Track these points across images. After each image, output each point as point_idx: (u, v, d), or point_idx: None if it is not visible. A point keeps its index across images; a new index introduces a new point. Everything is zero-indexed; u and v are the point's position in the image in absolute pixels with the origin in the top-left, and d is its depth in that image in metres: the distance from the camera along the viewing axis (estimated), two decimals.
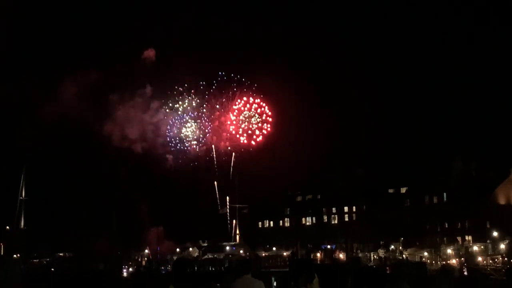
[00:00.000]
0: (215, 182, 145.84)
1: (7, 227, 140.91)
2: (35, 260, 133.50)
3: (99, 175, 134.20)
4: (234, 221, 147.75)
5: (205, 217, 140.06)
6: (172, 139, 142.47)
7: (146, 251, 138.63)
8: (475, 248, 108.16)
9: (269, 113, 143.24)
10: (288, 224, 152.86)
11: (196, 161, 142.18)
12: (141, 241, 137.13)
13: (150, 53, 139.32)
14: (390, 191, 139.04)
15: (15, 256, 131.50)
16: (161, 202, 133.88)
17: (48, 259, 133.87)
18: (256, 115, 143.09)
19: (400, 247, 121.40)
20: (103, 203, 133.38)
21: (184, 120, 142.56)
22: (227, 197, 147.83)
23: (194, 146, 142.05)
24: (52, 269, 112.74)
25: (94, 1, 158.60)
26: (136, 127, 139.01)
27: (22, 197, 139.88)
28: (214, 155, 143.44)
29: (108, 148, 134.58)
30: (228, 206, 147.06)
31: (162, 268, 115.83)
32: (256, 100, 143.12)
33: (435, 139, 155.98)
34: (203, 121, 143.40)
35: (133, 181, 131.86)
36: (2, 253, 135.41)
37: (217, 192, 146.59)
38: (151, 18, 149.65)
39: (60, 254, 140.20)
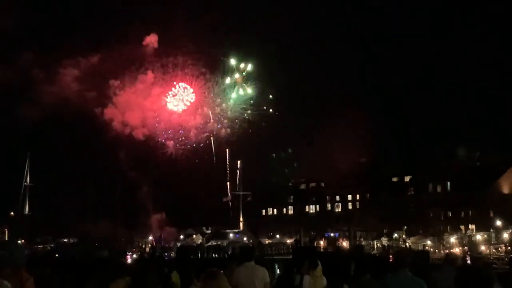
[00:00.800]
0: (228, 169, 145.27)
1: (12, 213, 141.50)
2: (39, 246, 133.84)
3: (101, 161, 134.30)
4: (238, 208, 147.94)
5: (208, 204, 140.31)
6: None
7: (150, 237, 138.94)
8: (478, 237, 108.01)
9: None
10: (292, 212, 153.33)
11: (197, 148, 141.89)
12: (143, 227, 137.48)
13: (152, 38, 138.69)
14: (394, 179, 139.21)
15: (19, 242, 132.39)
16: (163, 188, 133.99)
17: (52, 245, 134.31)
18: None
19: (404, 236, 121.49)
20: (106, 189, 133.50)
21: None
22: (230, 185, 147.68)
23: (195, 132, 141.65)
24: (56, 255, 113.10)
25: None
26: (137, 113, 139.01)
27: (26, 183, 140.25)
28: (212, 142, 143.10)
29: (110, 133, 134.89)
30: (231, 194, 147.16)
31: (166, 254, 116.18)
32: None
33: (439, 127, 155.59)
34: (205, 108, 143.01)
35: (135, 167, 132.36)
36: (6, 239, 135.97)
37: (227, 182, 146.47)
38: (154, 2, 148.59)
39: (64, 240, 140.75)
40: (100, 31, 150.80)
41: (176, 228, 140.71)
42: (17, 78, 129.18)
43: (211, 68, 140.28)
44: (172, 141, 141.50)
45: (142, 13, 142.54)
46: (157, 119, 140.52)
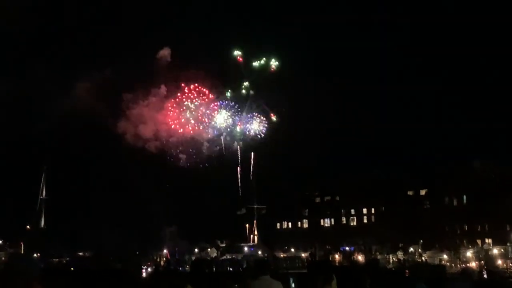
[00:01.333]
0: (238, 179, 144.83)
1: (27, 226, 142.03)
2: (54, 260, 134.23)
3: (115, 174, 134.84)
4: (252, 222, 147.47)
5: (222, 217, 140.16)
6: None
7: (165, 251, 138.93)
8: (495, 251, 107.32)
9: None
10: (307, 225, 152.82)
11: (210, 161, 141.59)
12: (156, 240, 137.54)
13: (165, 52, 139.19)
14: (409, 192, 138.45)
15: (35, 255, 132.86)
16: (176, 201, 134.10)
17: (67, 259, 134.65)
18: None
19: (419, 249, 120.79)
20: (120, 202, 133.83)
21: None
22: (245, 198, 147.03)
23: (208, 146, 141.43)
24: (72, 268, 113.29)
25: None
26: (149, 126, 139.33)
27: (42, 196, 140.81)
28: (239, 154, 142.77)
29: (123, 146, 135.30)
30: (245, 207, 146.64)
31: (180, 268, 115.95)
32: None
33: (455, 140, 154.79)
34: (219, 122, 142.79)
35: (148, 180, 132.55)
36: (22, 252, 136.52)
37: (240, 192, 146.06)
38: (168, 16, 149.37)
39: (80, 253, 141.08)
40: (114, 44, 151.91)
41: (190, 241, 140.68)
42: (31, 91, 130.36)
43: (223, 81, 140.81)
44: (184, 154, 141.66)
45: (155, 27, 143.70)
46: (170, 132, 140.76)
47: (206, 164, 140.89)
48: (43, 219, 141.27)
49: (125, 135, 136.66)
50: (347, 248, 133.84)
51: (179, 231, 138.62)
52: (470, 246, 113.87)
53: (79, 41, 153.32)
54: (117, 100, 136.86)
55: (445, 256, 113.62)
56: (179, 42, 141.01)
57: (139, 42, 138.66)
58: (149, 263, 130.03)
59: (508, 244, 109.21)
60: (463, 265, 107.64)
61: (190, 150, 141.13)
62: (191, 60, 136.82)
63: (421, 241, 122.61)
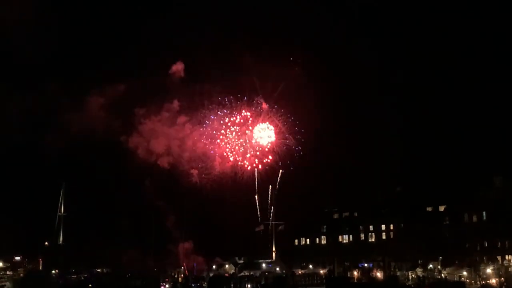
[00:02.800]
0: (256, 198, 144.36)
1: (46, 243, 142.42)
2: (73, 276, 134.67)
3: (130, 190, 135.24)
4: (270, 238, 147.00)
5: (240, 233, 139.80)
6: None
7: (182, 267, 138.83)
8: None
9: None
10: (325, 242, 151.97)
11: (225, 178, 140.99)
12: (173, 257, 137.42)
13: (178, 67, 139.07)
14: (429, 209, 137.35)
15: (53, 272, 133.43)
16: (193, 217, 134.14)
17: (86, 275, 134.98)
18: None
19: (439, 266, 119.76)
20: (137, 218, 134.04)
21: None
22: (262, 214, 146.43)
23: (220, 162, 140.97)
24: (90, 285, 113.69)
25: (123, 15, 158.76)
26: (162, 142, 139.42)
27: (61, 213, 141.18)
28: (256, 174, 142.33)
29: (136, 162, 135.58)
30: (263, 223, 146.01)
31: (198, 284, 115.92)
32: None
33: (475, 156, 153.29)
34: (232, 138, 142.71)
35: (162, 196, 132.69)
36: (41, 269, 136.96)
37: (258, 209, 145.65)
38: (182, 32, 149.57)
39: (98, 270, 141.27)
40: (127, 59, 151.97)
41: (208, 258, 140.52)
42: (45, 107, 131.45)
43: (237, 96, 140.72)
44: (196, 170, 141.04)
45: (169, 42, 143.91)
46: (182, 147, 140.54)
47: (224, 182, 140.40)
48: (61, 235, 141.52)
49: (139, 150, 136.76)
50: (365, 265, 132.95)
51: (196, 248, 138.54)
52: (490, 263, 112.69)
53: (91, 55, 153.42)
54: (129, 114, 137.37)
55: (464, 273, 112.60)
56: (193, 58, 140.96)
57: (152, 57, 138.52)
58: (167, 280, 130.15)
59: None
60: (483, 282, 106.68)
61: (201, 165, 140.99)
62: (204, 75, 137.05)
63: (441, 257, 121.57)
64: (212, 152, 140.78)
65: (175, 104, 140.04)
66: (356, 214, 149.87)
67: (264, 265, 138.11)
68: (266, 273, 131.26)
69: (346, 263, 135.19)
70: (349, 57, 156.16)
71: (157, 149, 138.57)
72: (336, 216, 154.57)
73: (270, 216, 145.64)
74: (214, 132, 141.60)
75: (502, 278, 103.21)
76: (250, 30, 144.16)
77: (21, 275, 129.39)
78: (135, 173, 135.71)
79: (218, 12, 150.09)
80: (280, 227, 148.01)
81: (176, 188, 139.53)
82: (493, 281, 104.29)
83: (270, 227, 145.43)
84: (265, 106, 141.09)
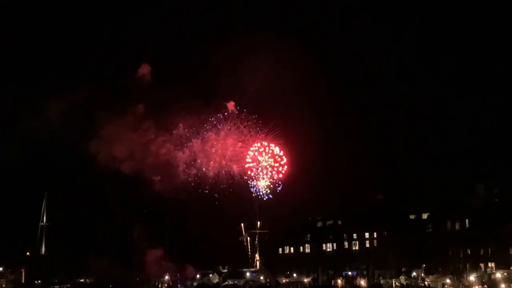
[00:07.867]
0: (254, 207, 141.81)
1: (28, 253, 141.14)
2: (56, 287, 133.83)
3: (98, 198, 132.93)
4: (254, 247, 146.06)
5: (224, 243, 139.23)
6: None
7: (166, 277, 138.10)
8: (498, 275, 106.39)
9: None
10: (309, 250, 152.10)
11: (189, 188, 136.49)
12: (153, 266, 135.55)
13: (145, 70, 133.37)
14: (412, 216, 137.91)
15: (36, 282, 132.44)
16: (177, 227, 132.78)
17: (68, 285, 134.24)
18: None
19: (422, 274, 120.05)
20: (119, 229, 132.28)
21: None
22: (245, 223, 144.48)
23: (185, 170, 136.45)
24: None
25: (87, 14, 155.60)
26: (124, 147, 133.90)
27: (43, 223, 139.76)
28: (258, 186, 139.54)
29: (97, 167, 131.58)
30: (247, 233, 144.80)
31: None
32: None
33: (457, 164, 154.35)
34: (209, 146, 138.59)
35: (129, 205, 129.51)
36: (23, 279, 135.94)
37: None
38: (150, 34, 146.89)
39: (81, 280, 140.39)
40: (89, 61, 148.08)
41: (193, 267, 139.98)
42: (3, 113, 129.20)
43: (208, 101, 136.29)
44: (158, 177, 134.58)
45: (135, 44, 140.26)
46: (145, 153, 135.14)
47: (215, 195, 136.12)
48: (43, 245, 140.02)
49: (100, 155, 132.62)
50: (349, 273, 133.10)
51: (184, 257, 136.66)
52: (473, 270, 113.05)
53: (52, 57, 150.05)
54: (90, 118, 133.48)
55: (448, 281, 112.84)
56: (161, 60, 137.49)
57: (116, 59, 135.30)
58: None
59: (511, 268, 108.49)
60: None
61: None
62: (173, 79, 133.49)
63: (424, 265, 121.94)
64: (177, 159, 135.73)
65: (140, 107, 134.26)
66: (340, 223, 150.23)
67: (248, 274, 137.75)
68: (250, 282, 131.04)
69: (330, 272, 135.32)
70: (330, 62, 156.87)
71: (119, 154, 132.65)
72: (320, 224, 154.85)
73: (255, 225, 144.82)
74: (180, 137, 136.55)
75: (485, 285, 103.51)
76: (222, 30, 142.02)
77: (3, 286, 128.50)
78: (98, 179, 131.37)
79: (188, 11, 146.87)
80: (264, 236, 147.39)
81: (140, 196, 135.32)
82: None
83: (255, 237, 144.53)
84: (234, 109, 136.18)
